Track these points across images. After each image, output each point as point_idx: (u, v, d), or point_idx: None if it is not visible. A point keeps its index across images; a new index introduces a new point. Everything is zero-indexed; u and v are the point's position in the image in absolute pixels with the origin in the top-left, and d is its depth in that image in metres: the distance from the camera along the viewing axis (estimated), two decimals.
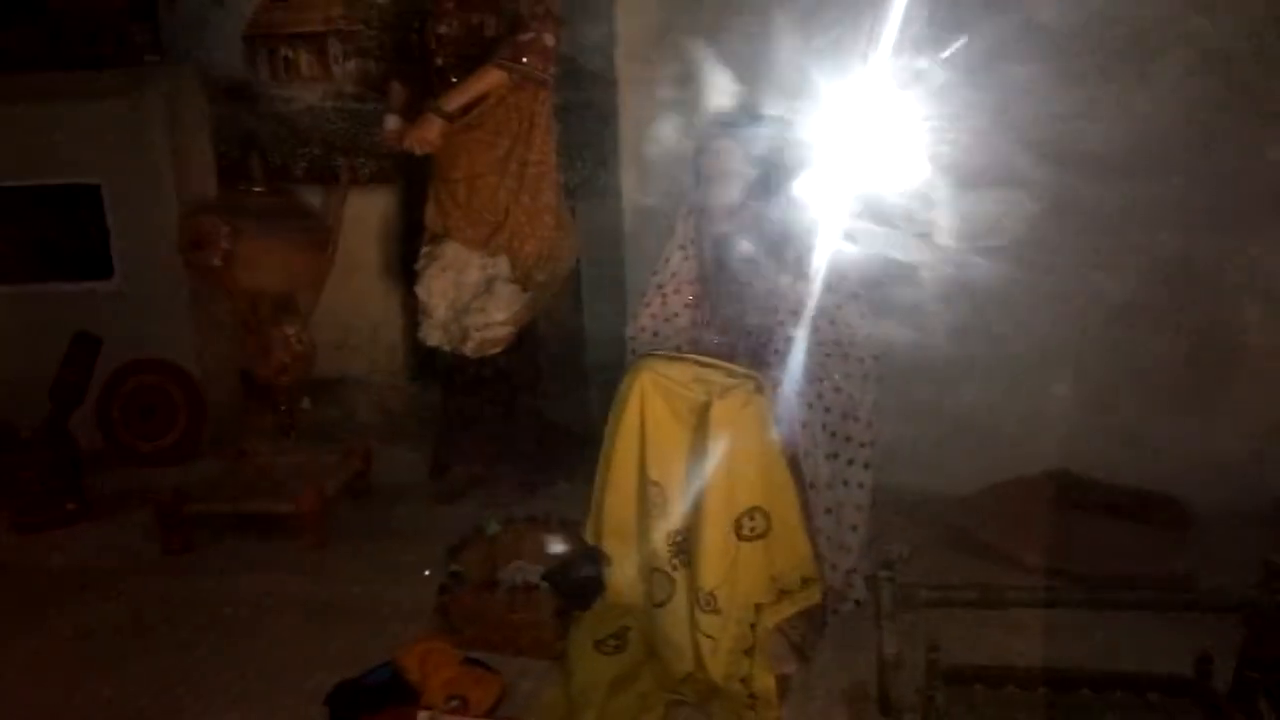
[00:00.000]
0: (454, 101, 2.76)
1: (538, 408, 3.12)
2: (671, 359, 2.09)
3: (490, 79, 2.74)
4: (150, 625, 2.43)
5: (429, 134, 2.77)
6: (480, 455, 3.16)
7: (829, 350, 2.24)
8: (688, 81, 2.90)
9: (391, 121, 2.98)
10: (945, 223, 2.80)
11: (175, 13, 3.91)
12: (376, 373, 4.07)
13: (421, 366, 4.04)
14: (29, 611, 2.53)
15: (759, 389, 1.98)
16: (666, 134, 2.92)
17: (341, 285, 3.37)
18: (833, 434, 2.18)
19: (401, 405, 3.99)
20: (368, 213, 3.85)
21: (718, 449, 1.93)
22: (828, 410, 2.16)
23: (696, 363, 2.06)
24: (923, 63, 2.61)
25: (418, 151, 2.81)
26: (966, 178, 2.75)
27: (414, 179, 3.84)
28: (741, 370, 2.04)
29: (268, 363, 3.20)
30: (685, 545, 2.02)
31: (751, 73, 2.71)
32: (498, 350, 2.97)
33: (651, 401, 2.02)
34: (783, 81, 2.63)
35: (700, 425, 1.97)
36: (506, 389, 3.08)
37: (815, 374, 2.18)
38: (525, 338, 3.03)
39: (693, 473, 1.99)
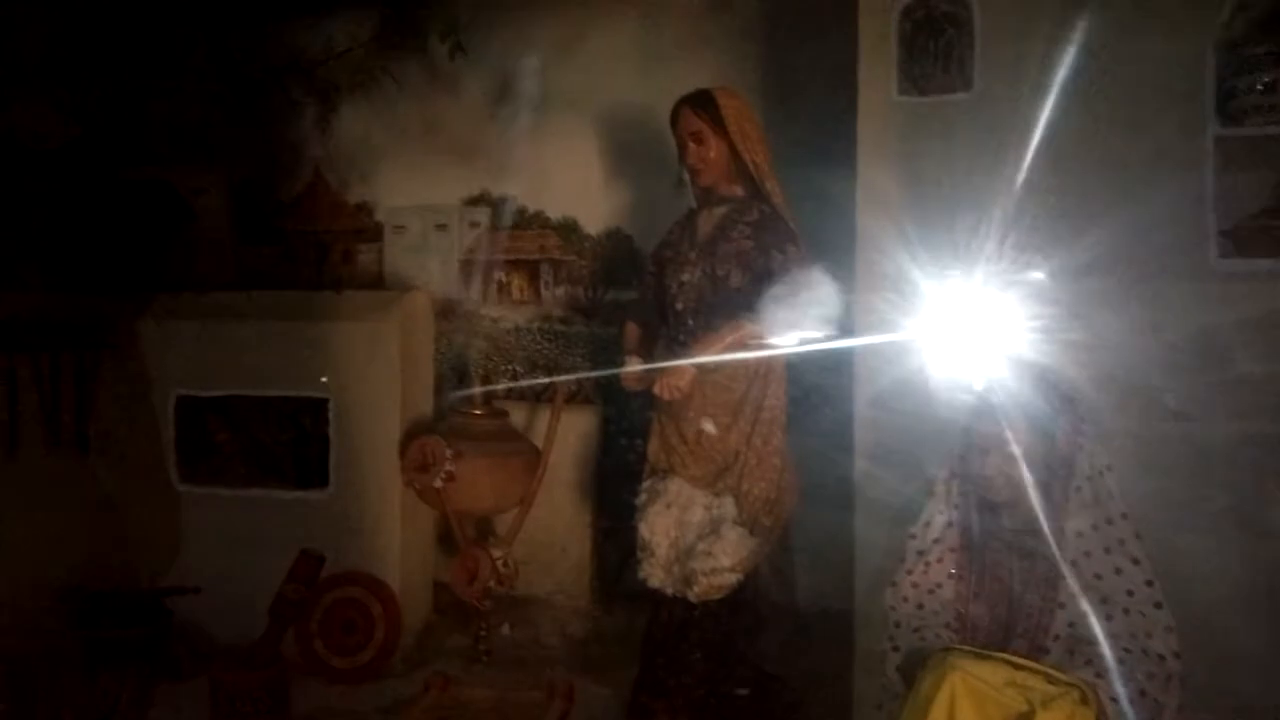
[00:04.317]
0: (708, 353, 2.81)
1: (756, 658, 2.98)
2: (981, 656, 1.96)
3: (745, 334, 2.79)
4: None
5: (682, 383, 2.80)
6: (686, 703, 3.01)
7: (1126, 644, 2.08)
8: (937, 325, 2.81)
9: (633, 362, 3.04)
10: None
11: (401, 235, 4.22)
12: (560, 593, 4.01)
13: (606, 590, 3.99)
14: None
15: (1084, 699, 1.83)
16: (908, 379, 2.82)
17: (536, 503, 3.38)
18: None
19: (584, 630, 3.88)
20: (565, 432, 3.91)
21: None
22: None
23: (1010, 663, 1.93)
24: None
25: (667, 398, 2.84)
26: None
27: (612, 400, 3.94)
28: (1062, 676, 1.89)
29: (472, 586, 3.18)
30: None
31: (1014, 312, 2.62)
32: (721, 596, 2.88)
33: (961, 704, 1.88)
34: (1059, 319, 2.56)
35: None
36: (719, 633, 2.97)
37: (1121, 675, 2.02)
38: (746, 583, 2.93)
39: None
